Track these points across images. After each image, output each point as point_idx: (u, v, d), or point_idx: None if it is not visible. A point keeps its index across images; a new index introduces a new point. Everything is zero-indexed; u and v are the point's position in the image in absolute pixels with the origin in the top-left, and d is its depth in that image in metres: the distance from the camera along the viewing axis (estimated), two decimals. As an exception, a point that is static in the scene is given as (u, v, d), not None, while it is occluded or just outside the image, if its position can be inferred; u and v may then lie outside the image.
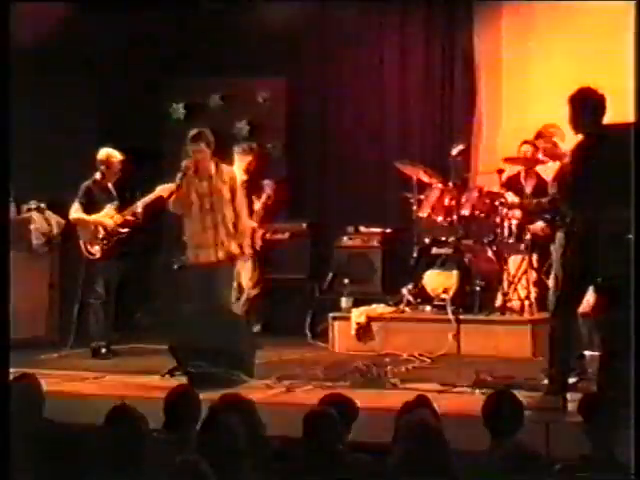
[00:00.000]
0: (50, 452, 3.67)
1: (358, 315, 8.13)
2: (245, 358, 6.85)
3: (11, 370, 4.72)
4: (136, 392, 6.53)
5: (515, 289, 7.98)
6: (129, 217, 7.94)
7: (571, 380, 6.23)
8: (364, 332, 8.04)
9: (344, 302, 8.48)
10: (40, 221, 8.83)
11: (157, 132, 9.70)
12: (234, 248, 7.26)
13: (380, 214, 9.17)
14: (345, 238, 8.95)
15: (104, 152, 8.01)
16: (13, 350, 4.83)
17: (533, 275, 7.80)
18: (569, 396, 5.76)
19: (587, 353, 6.65)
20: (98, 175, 7.99)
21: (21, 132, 7.01)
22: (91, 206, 7.95)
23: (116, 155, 8.00)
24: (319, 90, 9.67)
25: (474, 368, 6.76)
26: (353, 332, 8.09)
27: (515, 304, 8.00)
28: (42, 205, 8.86)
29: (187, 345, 6.85)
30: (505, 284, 7.94)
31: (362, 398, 5.74)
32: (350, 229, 9.00)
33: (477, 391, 6.25)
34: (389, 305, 8.26)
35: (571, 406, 5.49)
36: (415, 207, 8.39)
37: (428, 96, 9.32)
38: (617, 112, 6.06)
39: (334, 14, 9.38)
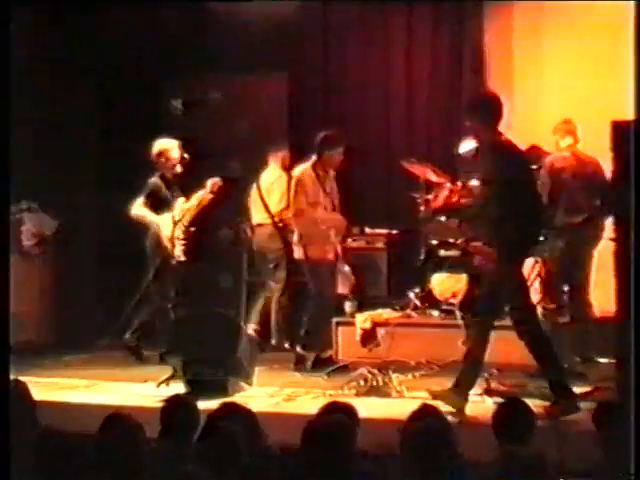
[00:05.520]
0: (45, 461, 3.70)
1: (363, 320, 8.15)
2: (244, 365, 6.88)
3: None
4: (130, 401, 6.58)
5: (527, 293, 7.97)
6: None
7: (585, 389, 6.27)
8: (369, 338, 8.06)
9: (348, 306, 8.49)
10: (32, 222, 8.84)
11: (156, 130, 9.73)
12: (338, 246, 7.71)
13: (386, 215, 9.17)
14: (349, 240, 8.96)
15: (161, 143, 7.89)
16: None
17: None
18: (583, 405, 5.78)
19: (603, 360, 6.68)
20: (161, 170, 7.86)
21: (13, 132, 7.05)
22: (157, 204, 7.82)
23: (174, 145, 7.88)
24: (322, 85, 9.68)
25: (484, 376, 6.76)
26: (357, 338, 8.09)
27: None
28: (34, 205, 8.87)
29: (184, 352, 6.87)
30: (517, 288, 7.94)
31: (367, 407, 5.82)
32: (355, 230, 9.01)
33: (488, 399, 6.29)
34: (395, 310, 8.29)
35: (585, 415, 5.50)
36: (422, 207, 8.40)
37: (436, 93, 9.33)
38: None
39: (337, 7, 9.39)
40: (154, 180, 7.85)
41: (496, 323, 7.81)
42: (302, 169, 7.69)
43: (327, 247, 7.60)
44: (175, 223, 7.74)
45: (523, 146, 7.98)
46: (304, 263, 7.64)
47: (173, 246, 7.70)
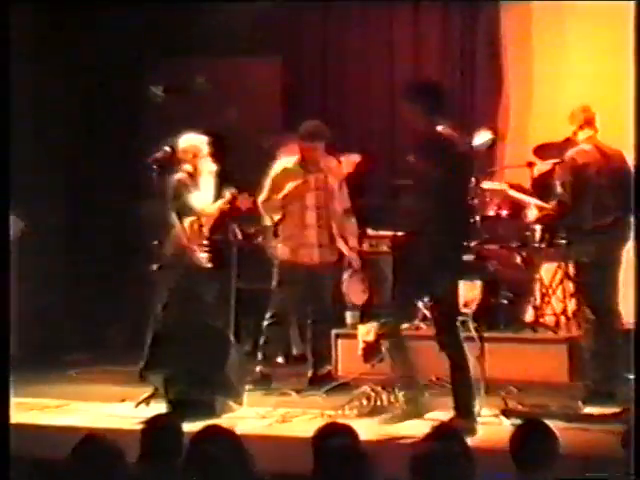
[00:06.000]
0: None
1: (366, 332, 8.11)
2: (233, 382, 6.89)
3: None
4: (106, 423, 6.59)
5: (549, 302, 8.01)
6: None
7: (613, 409, 6.29)
8: (372, 352, 8.04)
9: (349, 317, 8.51)
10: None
11: (135, 118, 9.76)
12: (344, 250, 7.78)
13: (391, 215, 9.18)
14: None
15: (189, 139, 7.84)
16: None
17: (570, 286, 7.82)
18: (610, 427, 5.80)
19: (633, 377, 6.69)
20: (188, 167, 7.81)
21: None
22: (182, 204, 7.76)
23: (203, 141, 7.84)
24: (320, 71, 9.69)
25: (501, 394, 6.82)
26: (360, 352, 8.09)
27: (549, 319, 8.03)
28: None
29: (166, 367, 6.87)
30: (537, 296, 7.97)
31: (370, 429, 5.85)
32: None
33: (505, 421, 6.32)
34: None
35: (614, 439, 5.52)
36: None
37: (446, 79, 9.33)
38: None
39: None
40: (180, 177, 7.78)
41: (515, 336, 7.94)
42: (280, 163, 7.74)
43: (305, 250, 7.59)
44: (200, 227, 7.79)
45: (555, 138, 8.03)
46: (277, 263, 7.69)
47: (195, 251, 7.72)
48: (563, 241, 7.67)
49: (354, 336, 8.16)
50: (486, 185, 8.14)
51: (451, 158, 6.29)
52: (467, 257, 8.18)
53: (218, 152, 7.96)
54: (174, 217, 7.76)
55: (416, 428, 5.86)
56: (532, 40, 9.13)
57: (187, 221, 7.78)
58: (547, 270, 8.06)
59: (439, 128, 6.30)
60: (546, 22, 9.05)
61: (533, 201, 7.56)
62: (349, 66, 9.60)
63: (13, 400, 6.98)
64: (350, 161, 8.08)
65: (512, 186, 8.23)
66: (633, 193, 6.36)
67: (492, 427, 6.25)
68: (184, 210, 7.77)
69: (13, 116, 5.09)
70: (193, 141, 7.85)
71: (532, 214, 7.64)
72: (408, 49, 9.49)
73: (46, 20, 9.31)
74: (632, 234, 6.69)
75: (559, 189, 6.93)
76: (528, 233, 8.02)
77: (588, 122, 7.07)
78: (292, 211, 7.64)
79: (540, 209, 7.39)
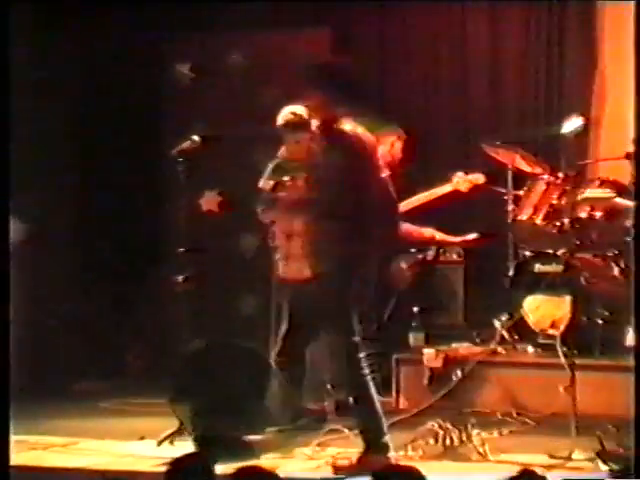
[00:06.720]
0: None
1: (432, 357, 8.10)
2: (274, 417, 6.86)
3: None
4: (122, 464, 6.58)
5: (655, 322, 7.91)
6: None
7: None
8: (441, 381, 8.00)
9: (413, 339, 8.52)
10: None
11: (156, 106, 9.79)
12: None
13: (462, 216, 9.12)
14: (413, 249, 8.91)
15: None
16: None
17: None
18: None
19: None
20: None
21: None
22: None
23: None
24: (376, 46, 9.65)
25: (597, 433, 6.65)
26: (426, 381, 8.10)
27: (655, 343, 7.94)
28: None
29: (194, 399, 6.84)
30: None
31: (438, 472, 5.77)
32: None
33: (601, 465, 6.22)
34: (475, 343, 8.32)
35: None
36: (511, 207, 8.41)
37: (529, 55, 9.39)
38: None
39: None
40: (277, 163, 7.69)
41: (612, 364, 7.83)
42: (275, 162, 7.58)
43: (292, 264, 7.44)
44: None
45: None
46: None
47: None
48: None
49: (419, 361, 8.15)
50: (588, 194, 8.03)
51: (352, 154, 6.37)
52: (555, 267, 8.17)
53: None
54: None
55: (492, 472, 5.79)
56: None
57: None
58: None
59: (346, 126, 6.36)
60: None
61: None
62: (411, 37, 9.59)
63: (13, 438, 7.03)
64: (467, 180, 8.29)
65: (604, 182, 8.15)
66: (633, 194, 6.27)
67: (586, 472, 6.18)
68: None
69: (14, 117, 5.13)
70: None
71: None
72: (484, 24, 9.49)
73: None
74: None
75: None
76: (628, 238, 7.90)
77: None
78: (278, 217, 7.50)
79: None
